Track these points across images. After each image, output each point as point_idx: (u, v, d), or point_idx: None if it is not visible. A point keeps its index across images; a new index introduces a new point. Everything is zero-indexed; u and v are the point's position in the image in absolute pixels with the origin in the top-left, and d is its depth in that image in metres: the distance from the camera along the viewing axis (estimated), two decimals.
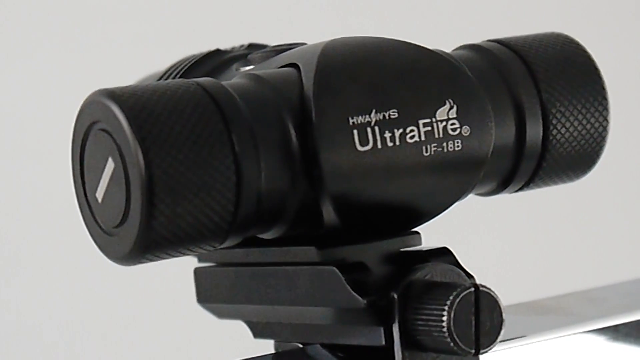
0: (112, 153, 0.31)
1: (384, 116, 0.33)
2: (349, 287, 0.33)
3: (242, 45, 0.41)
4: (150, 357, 1.06)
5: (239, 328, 0.42)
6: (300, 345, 0.37)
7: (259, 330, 0.39)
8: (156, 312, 1.14)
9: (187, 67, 0.39)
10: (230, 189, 0.31)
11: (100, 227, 0.33)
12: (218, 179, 0.31)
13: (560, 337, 0.42)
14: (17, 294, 1.11)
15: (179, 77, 0.38)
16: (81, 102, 0.33)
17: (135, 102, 0.31)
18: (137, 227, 0.31)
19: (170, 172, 0.31)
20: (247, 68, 0.37)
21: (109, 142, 0.31)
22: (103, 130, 0.31)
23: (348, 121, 0.33)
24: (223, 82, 0.33)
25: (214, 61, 0.40)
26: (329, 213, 0.33)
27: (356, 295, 0.33)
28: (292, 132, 0.33)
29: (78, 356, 1.12)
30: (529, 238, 1.20)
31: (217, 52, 0.40)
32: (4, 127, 1.06)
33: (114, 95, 0.31)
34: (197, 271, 0.40)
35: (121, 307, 1.13)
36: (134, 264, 0.32)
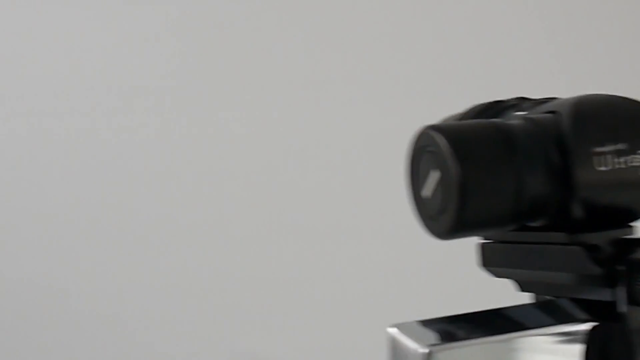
0: (437, 166, 0.39)
1: (616, 148, 0.40)
2: (591, 261, 0.40)
3: (514, 98, 0.46)
4: None
5: None
6: (552, 298, 0.43)
7: (524, 287, 0.45)
8: None
9: (479, 110, 0.45)
10: (511, 193, 0.39)
11: (426, 214, 0.41)
12: (504, 186, 0.39)
13: None
14: None
15: (475, 118, 0.45)
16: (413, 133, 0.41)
17: (452, 134, 0.39)
18: (453, 216, 0.38)
19: (475, 181, 0.38)
20: (521, 113, 0.43)
21: (435, 159, 0.39)
22: (431, 151, 0.39)
23: (591, 150, 0.40)
24: (507, 122, 0.41)
25: (497, 108, 0.45)
26: (577, 210, 0.40)
27: (596, 266, 0.40)
28: (554, 157, 0.40)
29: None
30: None
31: (498, 102, 0.46)
32: None
33: (439, 128, 0.39)
34: (482, 245, 0.46)
35: None
36: (448, 240, 0.40)
